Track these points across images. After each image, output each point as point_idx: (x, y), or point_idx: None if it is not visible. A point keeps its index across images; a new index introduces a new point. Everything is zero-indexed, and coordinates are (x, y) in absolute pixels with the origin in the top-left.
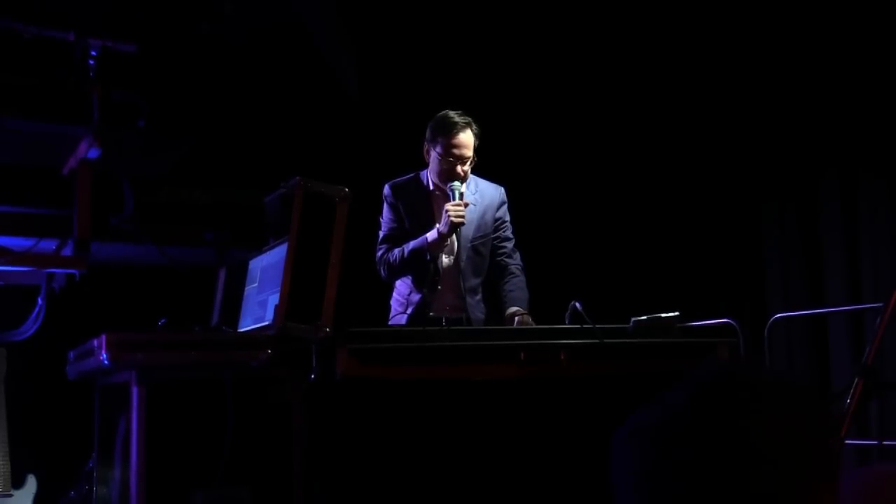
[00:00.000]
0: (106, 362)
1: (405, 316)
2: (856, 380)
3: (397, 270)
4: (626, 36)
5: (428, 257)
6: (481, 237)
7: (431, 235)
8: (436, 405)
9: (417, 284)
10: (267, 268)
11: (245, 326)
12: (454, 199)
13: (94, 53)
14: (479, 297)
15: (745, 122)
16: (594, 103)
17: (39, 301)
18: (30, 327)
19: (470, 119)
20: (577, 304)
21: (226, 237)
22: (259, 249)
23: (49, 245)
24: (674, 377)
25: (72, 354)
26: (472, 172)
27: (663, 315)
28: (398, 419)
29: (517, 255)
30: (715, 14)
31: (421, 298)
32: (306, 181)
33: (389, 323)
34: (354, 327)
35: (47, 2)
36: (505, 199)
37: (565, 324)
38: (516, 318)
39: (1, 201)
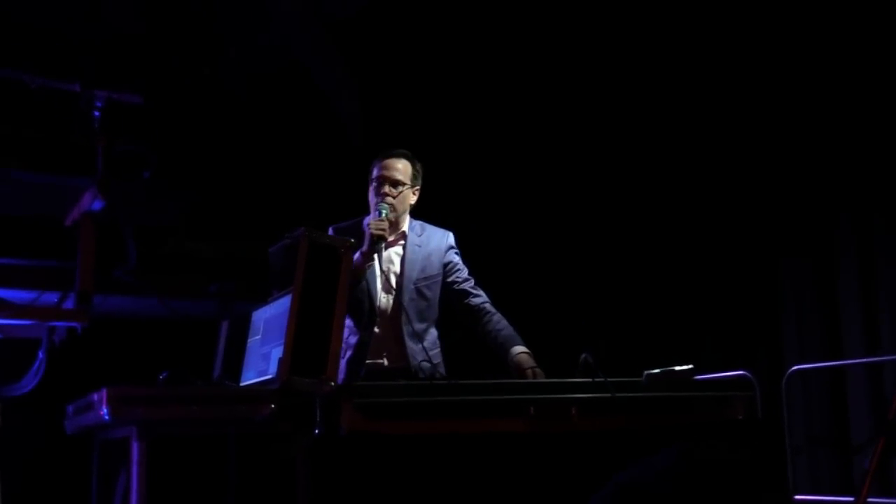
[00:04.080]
0: (106, 417)
1: (344, 361)
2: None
3: None
4: (631, 80)
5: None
6: (425, 279)
7: (356, 257)
8: (443, 460)
9: (355, 325)
10: (270, 320)
11: (248, 380)
12: (378, 218)
13: (99, 105)
14: (424, 343)
15: (760, 174)
16: (612, 150)
17: (40, 355)
18: (30, 381)
19: (409, 153)
20: (589, 357)
21: (229, 289)
22: (262, 301)
23: (51, 298)
24: (688, 431)
25: (70, 408)
26: (420, 218)
27: (677, 368)
28: (405, 475)
29: (483, 293)
30: (725, 65)
31: (358, 340)
32: (311, 232)
33: None
34: (359, 381)
35: (52, 52)
36: (453, 243)
37: (576, 377)
38: (527, 371)
39: (3, 253)
